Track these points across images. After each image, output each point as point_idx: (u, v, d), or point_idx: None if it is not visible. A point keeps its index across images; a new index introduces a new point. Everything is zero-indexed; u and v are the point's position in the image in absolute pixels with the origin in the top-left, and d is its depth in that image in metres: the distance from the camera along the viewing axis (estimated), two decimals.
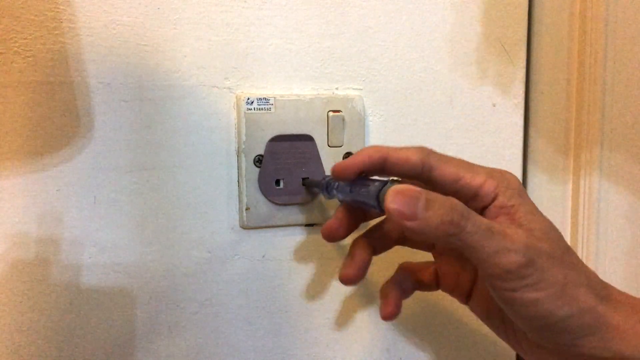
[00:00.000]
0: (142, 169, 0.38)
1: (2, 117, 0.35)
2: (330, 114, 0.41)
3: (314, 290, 0.44)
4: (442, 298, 0.45)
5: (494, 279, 0.29)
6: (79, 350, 0.38)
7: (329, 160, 0.41)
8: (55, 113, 0.36)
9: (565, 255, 0.30)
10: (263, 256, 0.42)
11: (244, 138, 0.39)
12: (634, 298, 0.31)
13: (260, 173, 0.40)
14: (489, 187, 0.31)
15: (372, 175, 0.34)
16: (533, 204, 0.32)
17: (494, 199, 0.31)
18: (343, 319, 0.45)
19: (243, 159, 0.40)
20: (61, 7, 0.35)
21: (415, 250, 0.39)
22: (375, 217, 0.38)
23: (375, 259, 0.37)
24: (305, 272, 0.43)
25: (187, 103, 0.39)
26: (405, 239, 0.38)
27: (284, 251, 0.42)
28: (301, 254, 0.43)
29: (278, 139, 0.40)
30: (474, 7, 0.45)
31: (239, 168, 0.40)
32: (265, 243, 0.42)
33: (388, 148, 0.33)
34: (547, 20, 0.48)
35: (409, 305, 0.46)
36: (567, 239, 0.50)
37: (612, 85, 0.47)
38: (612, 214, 0.48)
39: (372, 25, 0.43)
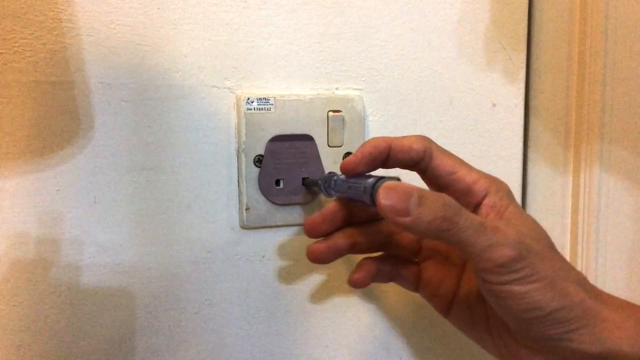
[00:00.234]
0: (142, 169, 0.38)
1: (2, 117, 0.35)
2: (330, 114, 0.41)
3: (314, 291, 0.44)
4: None
5: (486, 273, 0.29)
6: (79, 350, 0.38)
7: (329, 160, 0.41)
8: (55, 113, 0.36)
9: (552, 253, 0.31)
10: (263, 256, 0.42)
11: (244, 138, 0.39)
12: (618, 298, 0.32)
13: (260, 173, 0.40)
14: (482, 185, 0.33)
15: (377, 167, 0.35)
16: (520, 207, 0.33)
17: (484, 197, 0.33)
18: (343, 319, 0.45)
19: (243, 159, 0.40)
20: (61, 7, 0.35)
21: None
22: (364, 220, 0.38)
23: None
24: (305, 272, 0.43)
25: (187, 103, 0.39)
26: (391, 243, 0.39)
27: (284, 251, 0.42)
28: (301, 254, 0.43)
29: (278, 139, 0.40)
30: (474, 7, 0.45)
31: (239, 168, 0.40)
32: (265, 243, 0.42)
33: (391, 137, 0.34)
34: (547, 20, 0.48)
35: (409, 303, 0.46)
36: (567, 232, 0.51)
37: (612, 86, 0.47)
38: (613, 207, 0.48)
39: (372, 25, 0.43)
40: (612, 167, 0.48)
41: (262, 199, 0.40)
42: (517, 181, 0.49)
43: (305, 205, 0.42)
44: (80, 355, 0.38)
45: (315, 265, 0.43)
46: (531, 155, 0.50)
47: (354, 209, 0.37)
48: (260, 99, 0.39)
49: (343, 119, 0.41)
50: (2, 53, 0.35)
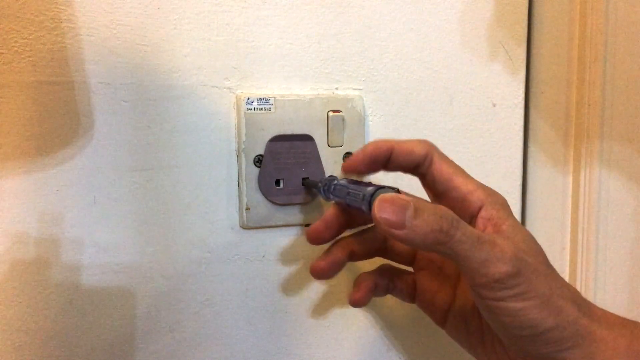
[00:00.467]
0: (142, 169, 0.38)
1: (2, 117, 0.35)
2: (330, 114, 0.41)
3: (314, 291, 0.44)
4: None
5: (482, 288, 0.29)
6: (79, 350, 0.38)
7: (329, 160, 0.41)
8: (55, 113, 0.36)
9: (548, 269, 0.31)
10: (263, 256, 0.42)
11: (244, 138, 0.39)
12: (612, 314, 0.32)
13: (260, 173, 0.40)
14: (478, 195, 0.32)
15: (379, 169, 0.35)
16: (517, 219, 0.33)
17: (480, 208, 0.32)
18: (343, 320, 0.45)
19: (243, 159, 0.40)
20: (61, 7, 0.35)
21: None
22: (363, 225, 0.38)
23: (372, 264, 0.37)
24: (305, 272, 0.43)
25: (187, 103, 0.39)
26: (387, 249, 0.39)
27: (284, 251, 0.42)
28: (301, 254, 0.43)
29: (278, 139, 0.40)
30: (474, 7, 0.45)
31: (239, 168, 0.40)
32: (265, 243, 0.42)
33: (393, 140, 0.34)
34: (547, 20, 0.48)
35: (410, 305, 0.46)
36: (568, 231, 0.51)
37: (612, 85, 0.47)
38: (613, 206, 0.48)
39: (372, 25, 0.43)
40: (612, 165, 0.48)
41: (262, 199, 0.40)
42: (517, 181, 0.49)
43: (305, 205, 0.42)
44: (80, 355, 0.38)
45: None
46: (531, 154, 0.50)
47: (352, 213, 0.37)
48: (260, 99, 0.39)
49: (343, 119, 0.41)
50: (2, 53, 0.35)
